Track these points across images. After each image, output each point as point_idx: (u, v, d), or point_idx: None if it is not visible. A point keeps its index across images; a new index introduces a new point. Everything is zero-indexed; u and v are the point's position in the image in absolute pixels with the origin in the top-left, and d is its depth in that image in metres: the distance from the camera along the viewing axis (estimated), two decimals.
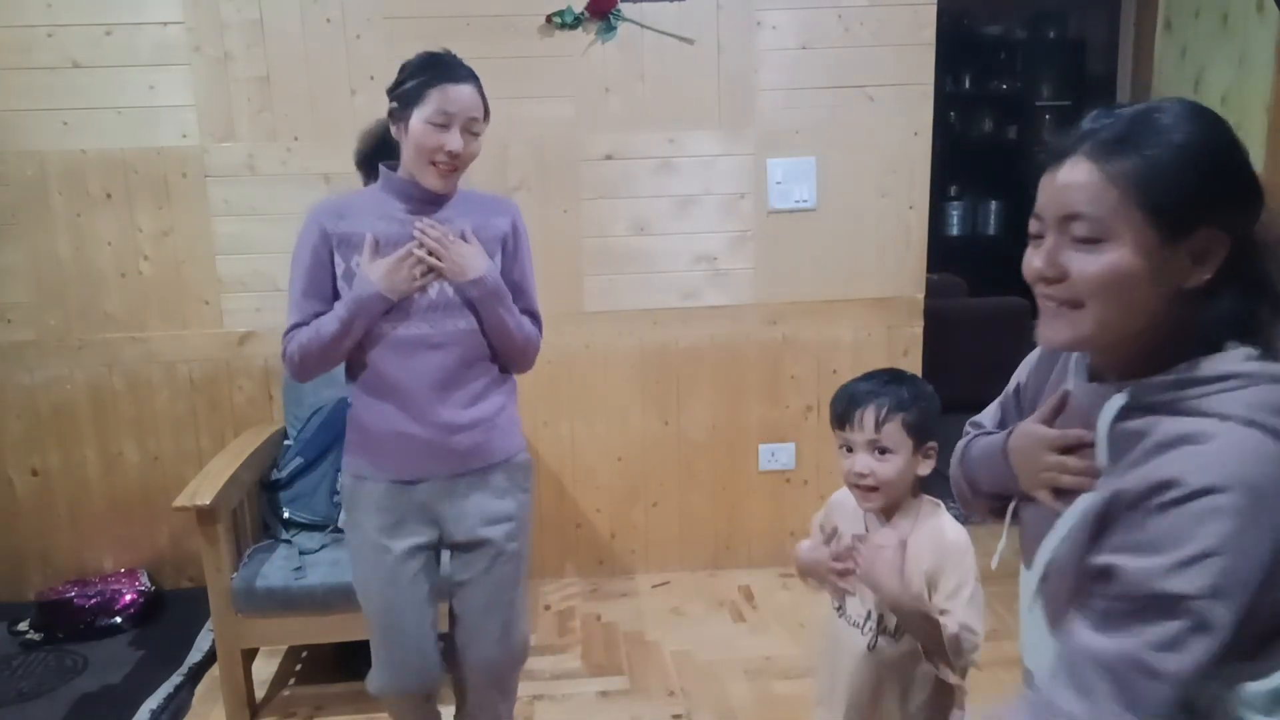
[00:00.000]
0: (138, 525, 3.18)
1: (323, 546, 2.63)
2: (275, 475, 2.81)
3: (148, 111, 2.96)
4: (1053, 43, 5.78)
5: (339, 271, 1.85)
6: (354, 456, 1.93)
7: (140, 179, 3.00)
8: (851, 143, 3.12)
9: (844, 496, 1.65)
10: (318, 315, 1.85)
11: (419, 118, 1.78)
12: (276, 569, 2.50)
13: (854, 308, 3.20)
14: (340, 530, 2.68)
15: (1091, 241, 0.89)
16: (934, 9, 3.08)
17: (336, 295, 1.86)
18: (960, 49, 4.84)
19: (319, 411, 2.87)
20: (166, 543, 3.20)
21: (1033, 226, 0.95)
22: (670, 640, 2.91)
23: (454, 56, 1.87)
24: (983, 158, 6.58)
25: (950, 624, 1.43)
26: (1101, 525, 0.91)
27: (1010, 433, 1.11)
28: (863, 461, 1.51)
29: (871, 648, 1.55)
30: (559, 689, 2.68)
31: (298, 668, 2.80)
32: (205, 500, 2.32)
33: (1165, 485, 0.83)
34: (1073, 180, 0.89)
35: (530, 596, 3.24)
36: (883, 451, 1.50)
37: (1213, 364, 0.88)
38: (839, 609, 1.62)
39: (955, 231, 6.75)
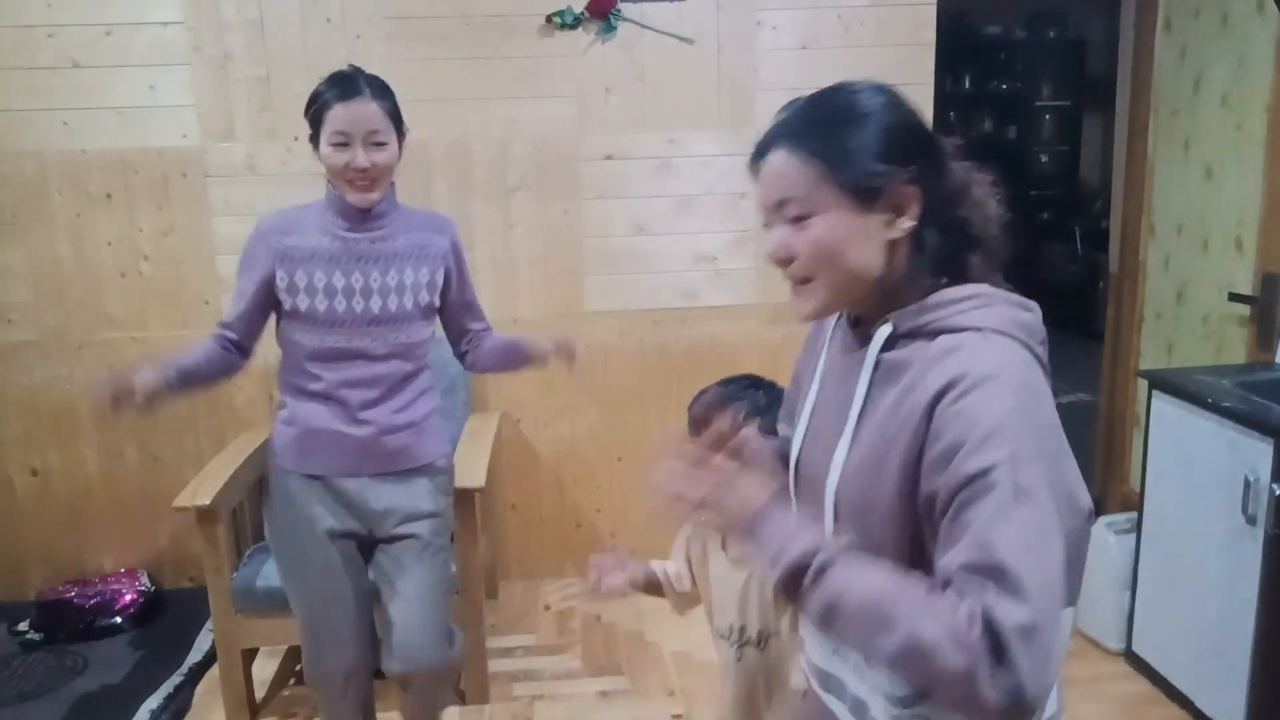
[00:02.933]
0: (138, 525, 3.18)
1: None
2: None
3: (148, 111, 2.96)
4: (1053, 43, 5.78)
5: (282, 285, 1.90)
6: (280, 451, 2.00)
7: (140, 179, 3.00)
8: None
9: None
10: (238, 317, 1.94)
11: (323, 140, 1.84)
12: (276, 569, 2.50)
13: None
14: None
15: (801, 219, 0.99)
16: (934, 9, 3.08)
17: (270, 304, 1.93)
18: (960, 49, 4.84)
19: None
20: (166, 543, 3.20)
21: (763, 219, 1.04)
22: (670, 640, 2.91)
23: (355, 71, 1.89)
24: (983, 158, 6.58)
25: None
26: (885, 447, 0.95)
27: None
28: None
29: (739, 660, 1.57)
30: (559, 689, 2.68)
31: (298, 668, 2.80)
32: (205, 500, 2.32)
33: (950, 385, 0.89)
34: (776, 168, 1.00)
35: (531, 596, 3.24)
36: None
37: (953, 291, 0.98)
38: (711, 624, 1.62)
39: None
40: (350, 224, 1.90)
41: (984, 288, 0.99)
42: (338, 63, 2.98)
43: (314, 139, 1.88)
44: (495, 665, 2.74)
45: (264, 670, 2.73)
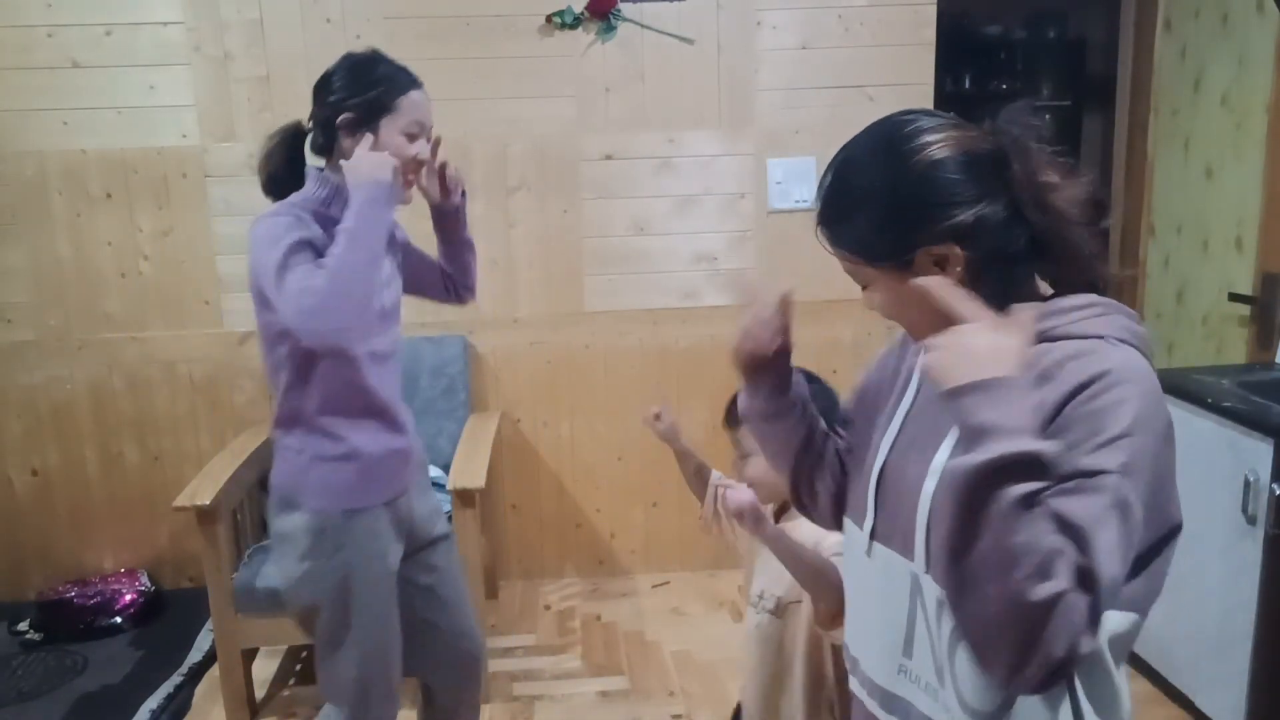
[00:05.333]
0: (138, 525, 3.18)
1: None
2: None
3: (148, 111, 2.96)
4: (1053, 43, 5.78)
5: None
6: (339, 492, 1.70)
7: (140, 179, 3.00)
8: None
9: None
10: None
11: (393, 128, 1.63)
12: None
13: (854, 308, 3.18)
14: None
15: (865, 286, 1.04)
16: (934, 9, 3.08)
17: None
18: (960, 49, 4.84)
19: None
20: (166, 543, 3.20)
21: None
22: (670, 640, 2.91)
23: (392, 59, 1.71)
24: None
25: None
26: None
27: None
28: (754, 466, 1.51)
29: (756, 627, 1.58)
30: (559, 689, 2.68)
31: (298, 668, 2.80)
32: (205, 500, 2.32)
33: (1088, 382, 0.91)
34: (827, 248, 1.05)
35: (531, 596, 3.24)
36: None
37: (1071, 300, 0.98)
38: (748, 590, 1.64)
39: None
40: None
41: (1100, 298, 0.99)
42: None
43: (351, 126, 1.63)
44: (495, 665, 2.74)
45: (264, 670, 2.73)
